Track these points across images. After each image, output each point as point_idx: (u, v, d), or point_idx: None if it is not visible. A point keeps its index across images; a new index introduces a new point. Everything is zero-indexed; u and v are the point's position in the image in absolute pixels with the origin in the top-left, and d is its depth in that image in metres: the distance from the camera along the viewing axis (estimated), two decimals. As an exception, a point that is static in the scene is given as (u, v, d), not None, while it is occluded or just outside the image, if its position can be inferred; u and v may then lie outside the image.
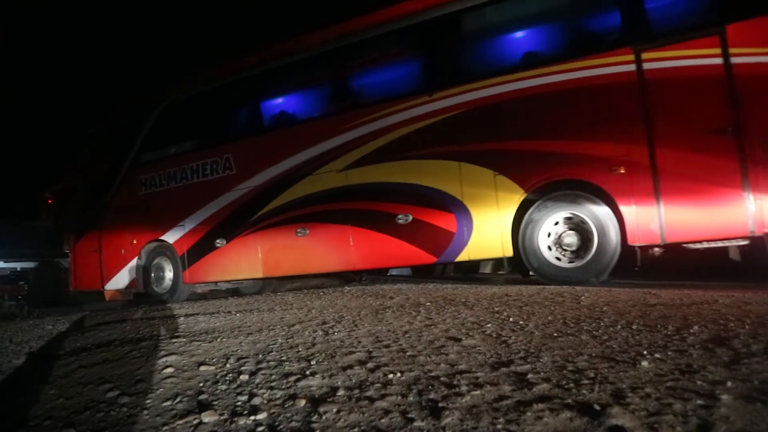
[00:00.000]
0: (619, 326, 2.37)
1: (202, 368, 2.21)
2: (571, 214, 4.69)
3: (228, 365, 2.22)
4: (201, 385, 1.99)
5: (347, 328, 2.91)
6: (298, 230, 6.04)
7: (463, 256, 5.19)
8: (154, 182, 7.28)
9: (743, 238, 4.12)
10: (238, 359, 2.31)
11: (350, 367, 2.01)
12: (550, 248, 4.80)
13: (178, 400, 1.85)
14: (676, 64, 4.34)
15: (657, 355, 1.79)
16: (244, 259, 6.40)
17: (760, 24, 4.06)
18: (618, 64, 4.52)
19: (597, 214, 4.56)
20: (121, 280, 7.33)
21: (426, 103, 5.34)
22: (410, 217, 5.40)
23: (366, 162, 5.66)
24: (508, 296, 4.04)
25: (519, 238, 4.87)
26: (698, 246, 4.40)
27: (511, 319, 2.80)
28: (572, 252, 4.73)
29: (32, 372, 2.76)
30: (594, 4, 5.04)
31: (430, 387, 1.68)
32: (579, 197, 4.65)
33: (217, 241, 6.60)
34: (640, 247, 4.46)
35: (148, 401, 1.90)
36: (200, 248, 6.74)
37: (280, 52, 6.44)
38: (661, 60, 4.39)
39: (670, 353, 1.81)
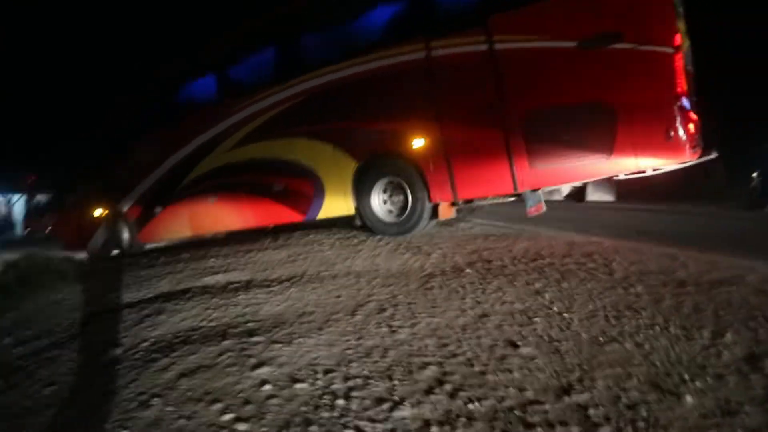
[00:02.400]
0: (658, 327, 2.67)
1: (297, 386, 2.56)
2: (389, 179, 5.83)
3: (319, 381, 2.57)
4: (304, 410, 2.34)
5: (407, 319, 3.23)
6: (209, 198, 7.48)
7: (321, 215, 6.40)
8: (106, 163, 9.01)
9: (512, 195, 5.23)
10: (326, 373, 2.65)
11: (431, 390, 2.35)
12: (390, 209, 5.95)
13: (292, 430, 2.21)
14: (455, 51, 5.15)
15: (698, 384, 2.10)
16: (176, 222, 8.01)
17: (516, 15, 4.82)
18: (413, 52, 5.37)
19: (409, 178, 5.61)
20: (97, 241, 9.19)
21: (281, 90, 6.46)
22: (282, 185, 6.65)
23: (247, 141, 6.90)
24: (541, 258, 4.34)
25: (357, 200, 6.03)
26: (485, 202, 5.75)
27: (555, 308, 3.12)
28: (400, 208, 5.84)
29: (135, 375, 3.12)
30: (394, 3, 5.79)
31: (509, 424, 2.01)
32: (395, 165, 5.71)
33: (156, 208, 8.22)
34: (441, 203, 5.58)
35: (262, 427, 2.26)
36: (145, 214, 8.42)
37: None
38: (443, 47, 5.21)
39: (709, 380, 2.12)
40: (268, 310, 3.77)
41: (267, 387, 2.59)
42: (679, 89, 4.26)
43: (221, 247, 7.03)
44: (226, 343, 3.25)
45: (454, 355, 2.66)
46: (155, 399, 2.74)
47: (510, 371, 2.43)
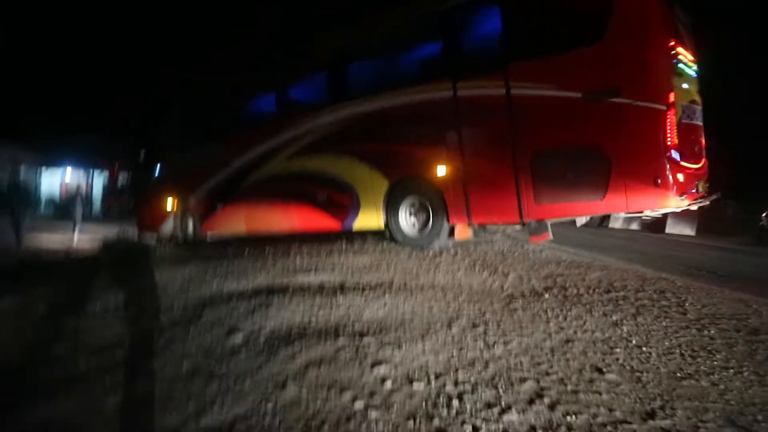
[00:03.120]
0: (732, 370, 3.05)
1: (414, 385, 3.06)
2: (415, 199, 6.53)
3: (433, 383, 3.06)
4: (425, 406, 2.84)
5: (499, 336, 3.69)
6: (264, 201, 8.37)
7: (355, 226, 7.14)
8: (181, 163, 10.28)
9: (517, 223, 5.79)
10: (437, 376, 3.14)
11: (532, 401, 2.81)
12: (414, 223, 6.62)
13: (418, 421, 2.71)
14: (477, 92, 5.78)
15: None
16: (234, 220, 8.99)
17: (531, 64, 5.37)
18: (442, 90, 6.02)
19: (432, 199, 6.28)
20: (167, 227, 10.49)
21: (331, 112, 7.26)
22: (325, 196, 7.43)
23: (300, 154, 7.73)
24: (615, 290, 4.72)
25: (387, 215, 6.72)
26: (497, 227, 6.65)
27: (633, 341, 3.52)
28: (422, 224, 6.51)
29: (264, 360, 3.69)
30: (430, 46, 6.55)
31: (605, 438, 2.46)
32: (421, 187, 6.41)
33: (218, 205, 9.25)
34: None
35: (392, 416, 2.78)
36: (208, 209, 9.49)
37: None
38: (467, 88, 5.85)
39: (779, 420, 2.50)
40: (369, 315, 4.29)
41: (388, 383, 3.11)
42: (669, 142, 4.73)
43: (300, 246, 7.64)
44: (340, 340, 3.78)
45: (548, 374, 3.11)
46: (290, 382, 3.30)
47: (599, 393, 2.86)
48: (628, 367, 3.14)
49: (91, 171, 23.62)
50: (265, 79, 8.89)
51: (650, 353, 3.32)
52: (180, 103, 10.90)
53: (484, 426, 2.62)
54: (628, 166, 4.84)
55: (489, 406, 2.79)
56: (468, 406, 2.80)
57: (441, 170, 6.17)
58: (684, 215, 7.90)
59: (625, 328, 3.76)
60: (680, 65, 5.14)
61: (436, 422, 2.69)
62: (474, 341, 3.64)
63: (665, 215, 8.15)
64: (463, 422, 2.66)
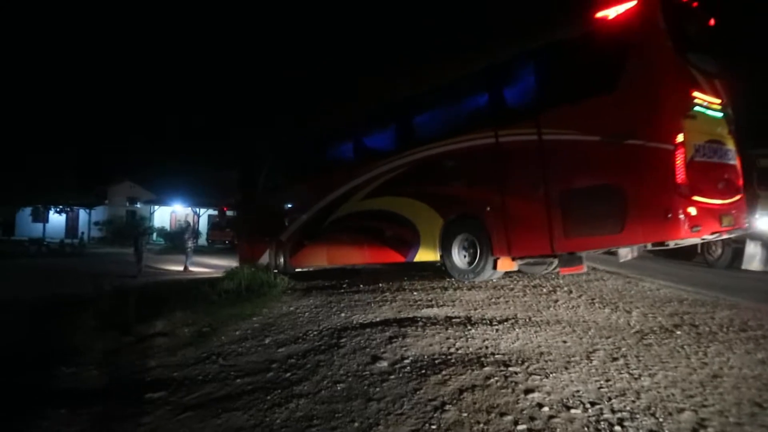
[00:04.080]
0: None
1: (572, 411, 3.27)
2: (465, 235, 7.20)
3: (590, 410, 3.26)
4: (587, 430, 3.05)
5: (642, 369, 3.82)
6: (341, 238, 9.50)
7: (417, 258, 7.98)
8: (273, 204, 11.85)
9: (551, 255, 6.30)
10: (592, 404, 3.33)
11: (697, 430, 2.94)
12: (465, 257, 7.27)
13: (585, 445, 2.92)
14: (513, 138, 6.46)
15: None
16: (317, 255, 10.38)
17: (558, 112, 5.98)
18: (485, 137, 6.77)
19: (479, 235, 6.93)
20: (264, 260, 11.77)
21: (394, 159, 8.28)
22: (392, 232, 8.37)
23: (370, 196, 8.80)
24: (751, 329, 4.74)
25: (442, 249, 7.47)
26: (530, 260, 6.94)
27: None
28: (471, 258, 7.14)
29: (415, 385, 4.01)
30: (474, 99, 7.48)
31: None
32: (470, 225, 7.10)
33: (304, 242, 10.62)
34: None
35: (557, 439, 3.00)
36: (296, 246, 10.91)
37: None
38: (505, 135, 6.54)
39: None
40: (506, 346, 4.53)
41: (545, 409, 3.33)
42: (678, 179, 5.08)
43: (411, 282, 8.01)
44: (486, 369, 4.04)
45: (704, 406, 3.22)
46: (448, 406, 3.59)
47: (766, 427, 2.95)
48: (787, 402, 3.19)
49: (199, 208, 25.63)
50: (338, 135, 10.37)
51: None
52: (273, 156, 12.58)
53: (653, 451, 2.79)
54: (642, 202, 5.28)
55: (653, 433, 2.95)
56: (632, 432, 2.97)
57: (486, 209, 6.84)
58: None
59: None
60: (696, 108, 5.50)
61: (603, 446, 2.88)
62: (618, 373, 3.80)
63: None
64: (632, 447, 2.84)
